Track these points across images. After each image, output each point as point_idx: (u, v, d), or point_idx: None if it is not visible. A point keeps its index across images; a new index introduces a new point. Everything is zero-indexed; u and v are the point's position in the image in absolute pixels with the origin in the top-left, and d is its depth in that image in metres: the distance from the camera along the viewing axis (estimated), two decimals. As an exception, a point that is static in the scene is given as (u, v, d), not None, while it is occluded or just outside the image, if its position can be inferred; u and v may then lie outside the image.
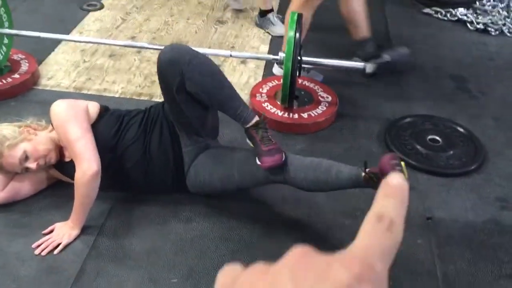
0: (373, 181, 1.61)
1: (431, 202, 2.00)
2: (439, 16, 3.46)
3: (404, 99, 2.64)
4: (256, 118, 1.75)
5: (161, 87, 1.81)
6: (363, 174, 1.64)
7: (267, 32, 3.22)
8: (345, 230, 1.80)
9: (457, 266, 1.74)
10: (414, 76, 2.85)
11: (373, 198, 0.34)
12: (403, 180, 0.34)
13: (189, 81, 1.68)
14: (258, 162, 1.71)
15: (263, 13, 3.21)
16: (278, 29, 3.13)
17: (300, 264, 0.32)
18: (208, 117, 1.86)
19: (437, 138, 2.30)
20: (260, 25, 3.25)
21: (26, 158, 1.77)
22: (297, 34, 2.16)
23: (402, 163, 1.60)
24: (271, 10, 3.21)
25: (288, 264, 0.32)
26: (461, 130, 2.37)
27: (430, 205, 1.98)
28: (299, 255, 0.33)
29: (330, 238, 1.78)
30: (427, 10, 3.52)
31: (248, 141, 1.80)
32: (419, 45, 3.14)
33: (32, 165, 1.78)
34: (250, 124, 1.75)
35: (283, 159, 1.69)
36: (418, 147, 2.24)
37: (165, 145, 1.83)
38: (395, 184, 0.34)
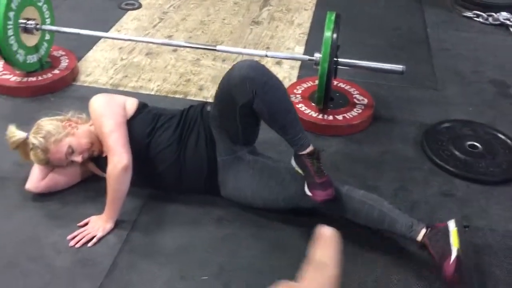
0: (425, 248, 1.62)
1: (469, 210, 1.94)
2: (481, 20, 3.37)
3: (441, 104, 2.58)
4: (311, 147, 1.71)
5: (220, 97, 1.75)
6: (417, 238, 1.64)
7: None
8: (378, 237, 1.76)
9: (495, 276, 1.68)
10: (453, 80, 2.78)
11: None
12: (331, 232, 0.45)
13: (259, 101, 1.65)
14: (309, 193, 1.68)
15: None
16: None
17: None
18: (257, 129, 1.86)
19: (477, 144, 2.23)
20: None
21: (71, 152, 1.82)
22: (334, 35, 2.13)
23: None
24: None
25: None
26: (502, 137, 2.29)
27: (468, 213, 1.92)
28: None
29: (364, 243, 1.75)
30: (468, 14, 3.43)
31: (293, 163, 1.75)
32: (459, 49, 3.06)
33: (77, 158, 1.83)
34: (305, 152, 1.70)
35: (334, 193, 1.68)
36: (457, 153, 2.18)
37: (200, 152, 1.83)
38: (326, 236, 0.46)
